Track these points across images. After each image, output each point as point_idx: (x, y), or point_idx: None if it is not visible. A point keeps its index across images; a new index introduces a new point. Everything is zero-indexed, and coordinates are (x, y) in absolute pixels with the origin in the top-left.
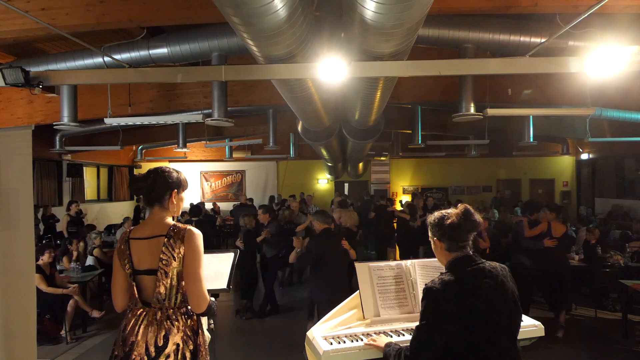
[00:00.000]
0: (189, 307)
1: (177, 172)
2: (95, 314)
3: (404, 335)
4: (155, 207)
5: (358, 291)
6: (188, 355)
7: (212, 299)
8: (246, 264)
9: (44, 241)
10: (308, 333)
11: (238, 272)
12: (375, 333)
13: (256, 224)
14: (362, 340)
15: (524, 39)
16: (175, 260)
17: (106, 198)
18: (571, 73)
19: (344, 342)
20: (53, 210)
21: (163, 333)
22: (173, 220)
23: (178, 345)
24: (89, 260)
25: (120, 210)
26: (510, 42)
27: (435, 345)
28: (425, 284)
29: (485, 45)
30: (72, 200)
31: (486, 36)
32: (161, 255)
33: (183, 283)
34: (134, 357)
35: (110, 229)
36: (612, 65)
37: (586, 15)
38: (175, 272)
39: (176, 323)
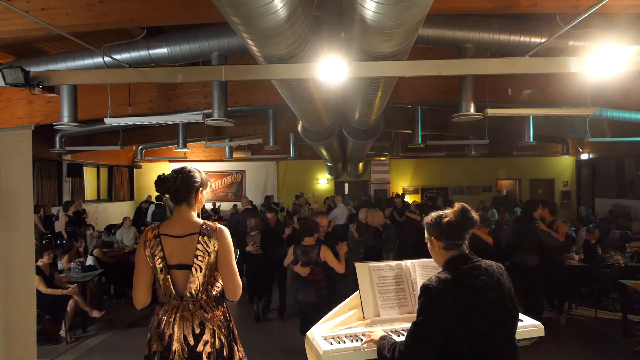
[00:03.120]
0: (219, 296)
1: (199, 171)
2: (95, 314)
3: (403, 335)
4: (182, 206)
5: (358, 291)
6: (223, 339)
7: None
8: (265, 266)
9: (43, 242)
10: (308, 333)
11: (256, 276)
12: None
13: (276, 224)
14: (362, 340)
15: (524, 39)
16: (210, 256)
17: (106, 198)
18: (571, 73)
19: (344, 342)
20: (53, 210)
21: (199, 321)
22: (198, 217)
23: (214, 330)
24: (89, 260)
25: (120, 210)
26: (510, 42)
27: (431, 343)
28: (423, 283)
29: (485, 45)
30: (69, 200)
31: (486, 36)
32: (196, 252)
33: (215, 275)
34: (174, 348)
35: (110, 229)
36: (612, 65)
37: (586, 15)
38: (208, 267)
39: (209, 311)
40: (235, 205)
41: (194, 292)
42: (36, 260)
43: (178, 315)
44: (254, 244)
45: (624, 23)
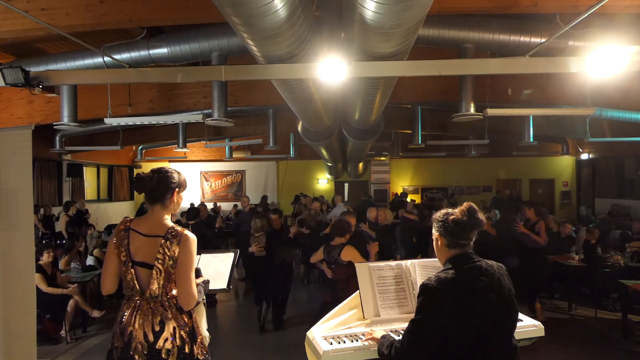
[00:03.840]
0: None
1: (178, 173)
2: (95, 313)
3: None
4: (157, 205)
5: (358, 291)
6: (185, 336)
7: (205, 278)
8: (270, 268)
9: (44, 241)
10: (308, 333)
11: (261, 278)
12: None
13: (281, 226)
14: (362, 340)
15: (524, 39)
16: (170, 260)
17: (106, 198)
18: (571, 73)
19: (344, 342)
20: (54, 210)
21: (159, 319)
22: (172, 219)
23: (175, 328)
24: (89, 260)
25: (120, 210)
26: (510, 42)
27: (428, 341)
28: (422, 282)
29: (485, 45)
30: (70, 200)
31: (486, 36)
32: (158, 255)
33: (174, 278)
34: (134, 345)
35: (110, 229)
36: (612, 65)
37: (586, 15)
38: (167, 270)
39: (169, 309)
40: (235, 205)
41: (154, 293)
42: (37, 260)
43: (139, 312)
44: (258, 244)
45: (624, 23)
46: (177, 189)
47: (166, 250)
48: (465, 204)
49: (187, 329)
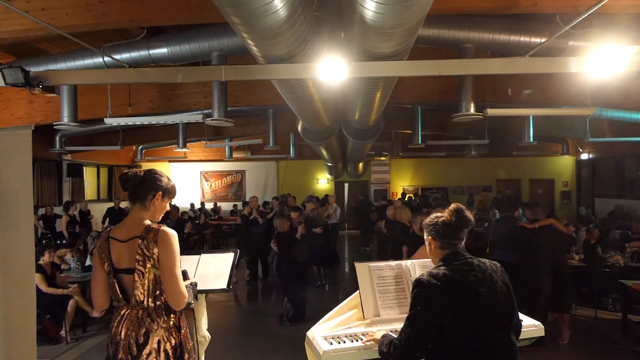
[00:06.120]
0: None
1: (169, 179)
2: (95, 314)
3: None
4: (136, 205)
5: (358, 291)
6: (170, 351)
7: (193, 280)
8: (288, 267)
9: (44, 241)
10: (308, 333)
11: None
12: None
13: (290, 227)
14: (362, 340)
15: (524, 39)
16: (150, 260)
17: (106, 198)
18: (571, 73)
19: (344, 342)
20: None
21: (143, 331)
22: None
23: (159, 341)
24: (89, 260)
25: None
26: (510, 42)
27: (424, 335)
28: (416, 277)
29: (485, 45)
30: (70, 200)
31: (486, 36)
32: (137, 257)
33: (160, 282)
34: (120, 356)
35: None
36: (612, 65)
37: (586, 15)
38: (152, 272)
39: (157, 320)
40: (235, 205)
41: (139, 298)
42: (37, 260)
43: (125, 322)
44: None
45: (624, 23)
46: (160, 192)
47: (145, 251)
48: (452, 205)
49: (173, 342)
